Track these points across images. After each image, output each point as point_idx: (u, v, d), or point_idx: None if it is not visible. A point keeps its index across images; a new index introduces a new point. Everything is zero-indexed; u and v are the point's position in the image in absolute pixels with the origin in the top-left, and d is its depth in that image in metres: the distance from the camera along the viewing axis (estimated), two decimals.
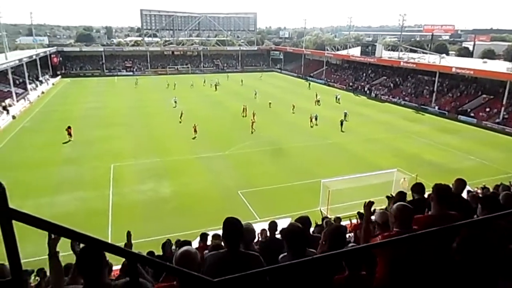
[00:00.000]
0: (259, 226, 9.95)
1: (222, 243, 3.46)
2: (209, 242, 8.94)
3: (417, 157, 29.84)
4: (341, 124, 37.74)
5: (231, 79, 76.24)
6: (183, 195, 22.73)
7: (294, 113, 40.68)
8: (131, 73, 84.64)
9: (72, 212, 19.82)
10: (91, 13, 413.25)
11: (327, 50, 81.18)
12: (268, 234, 7.31)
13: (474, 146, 33.51)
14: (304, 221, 5.69)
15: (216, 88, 63.46)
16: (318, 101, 52.36)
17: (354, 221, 13.12)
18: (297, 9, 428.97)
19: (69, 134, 33.73)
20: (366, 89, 64.28)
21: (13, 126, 39.68)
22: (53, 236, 2.72)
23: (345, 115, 41.63)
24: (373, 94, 61.27)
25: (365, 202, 4.02)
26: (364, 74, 70.64)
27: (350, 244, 4.57)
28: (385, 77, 66.16)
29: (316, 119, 39.48)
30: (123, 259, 2.22)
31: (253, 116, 38.88)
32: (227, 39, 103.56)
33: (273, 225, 7.50)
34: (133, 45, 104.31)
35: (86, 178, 25.16)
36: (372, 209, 4.16)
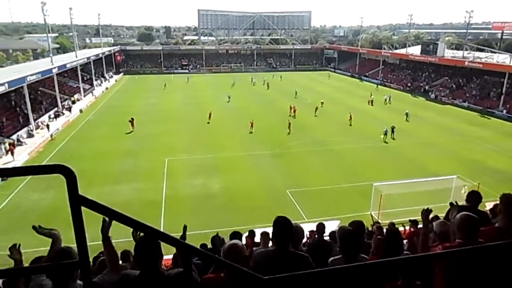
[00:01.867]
0: (307, 227, 9.84)
1: (271, 242, 3.47)
2: (257, 240, 9.00)
3: (480, 164, 27.73)
4: (392, 131, 34.09)
5: (285, 78, 76.20)
6: (232, 191, 23.12)
7: (351, 122, 39.08)
8: (186, 71, 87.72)
9: (129, 202, 20.97)
10: (152, 14, 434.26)
11: (384, 48, 78.11)
12: (316, 235, 7.22)
13: None
14: (358, 226, 5.56)
15: (268, 86, 63.73)
16: (371, 101, 50.65)
17: (408, 228, 12.51)
18: (354, 7, 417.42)
19: (132, 125, 36.95)
20: (425, 90, 60.93)
21: (80, 119, 42.92)
22: (106, 222, 2.90)
23: (407, 115, 42.04)
24: (432, 96, 57.89)
25: (423, 209, 3.80)
26: (424, 74, 66.98)
27: (404, 252, 4.36)
28: (447, 78, 62.20)
29: (392, 131, 34.18)
30: (173, 250, 2.31)
31: (294, 111, 41.70)
32: (280, 38, 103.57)
33: (321, 227, 7.39)
34: (189, 44, 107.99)
35: (142, 170, 26.55)
36: (430, 217, 3.93)
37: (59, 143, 33.31)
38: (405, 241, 8.52)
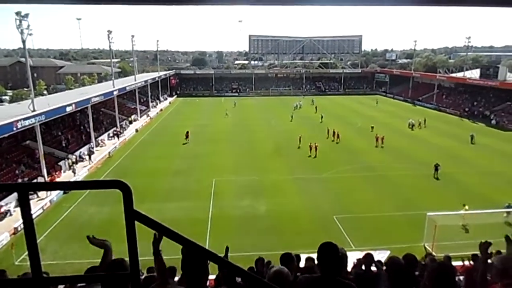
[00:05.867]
0: (354, 255, 9.48)
1: (316, 268, 3.40)
2: (301, 265, 8.82)
3: None
4: (436, 169, 29.61)
5: (332, 102, 75.57)
6: (278, 215, 22.94)
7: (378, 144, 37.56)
8: (236, 94, 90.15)
9: (177, 219, 21.51)
10: (205, 40, 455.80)
11: (440, 72, 74.94)
12: (363, 266, 6.93)
13: None
14: (411, 260, 5.26)
15: (316, 109, 63.36)
16: (413, 125, 49.10)
17: (467, 262, 11.57)
18: (407, 30, 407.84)
19: (187, 137, 42.51)
20: (484, 115, 57.18)
21: (136, 138, 45.43)
22: (157, 236, 2.96)
23: (472, 137, 41.54)
24: (494, 121, 54.15)
25: (481, 242, 3.54)
26: (484, 99, 63.05)
27: None
28: (509, 103, 58.01)
29: (436, 169, 29.66)
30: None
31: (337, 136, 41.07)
32: (330, 62, 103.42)
33: (369, 257, 7.09)
34: (240, 68, 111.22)
35: (191, 189, 27.28)
36: (490, 251, 3.64)
37: (115, 160, 35.39)
38: (461, 277, 7.90)
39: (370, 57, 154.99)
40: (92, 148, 38.11)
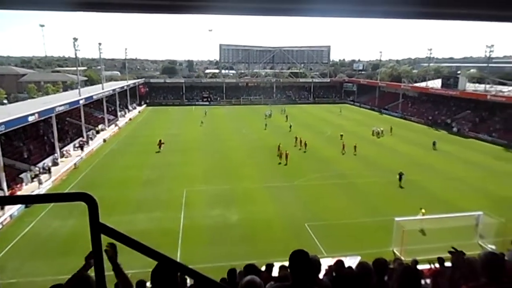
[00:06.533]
0: (325, 262, 9.55)
1: (289, 276, 3.39)
2: (275, 274, 8.79)
3: (507, 201, 26.56)
4: (400, 179, 30.12)
5: (303, 110, 76.81)
6: (251, 223, 22.87)
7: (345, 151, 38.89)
8: (207, 103, 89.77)
9: (147, 231, 20.95)
10: (175, 49, 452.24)
11: (404, 82, 78.07)
12: (333, 273, 6.99)
13: None
14: (381, 264, 5.20)
15: (286, 118, 64.09)
16: (378, 133, 50.81)
17: (435, 266, 11.93)
18: (373, 42, 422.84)
19: (160, 145, 42.07)
20: (446, 123, 59.96)
21: (104, 148, 44.12)
22: (109, 253, 2.61)
23: (434, 143, 44.30)
24: (455, 129, 56.84)
25: (455, 250, 3.65)
26: (445, 108, 66.16)
27: None
28: (469, 111, 61.18)
29: (400, 178, 30.09)
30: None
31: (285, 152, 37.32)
32: (300, 71, 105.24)
33: (340, 264, 7.16)
34: (210, 77, 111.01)
35: (162, 200, 26.73)
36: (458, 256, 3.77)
37: (82, 172, 34.15)
38: (428, 280, 8.14)
39: (339, 67, 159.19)
40: (57, 159, 36.61)
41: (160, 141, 42.66)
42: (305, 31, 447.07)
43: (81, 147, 42.20)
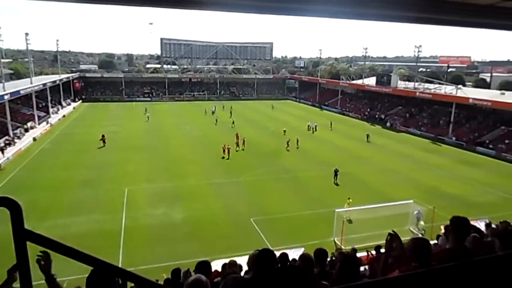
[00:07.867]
0: None
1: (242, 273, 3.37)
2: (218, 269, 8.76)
3: (435, 189, 29.10)
4: (335, 175, 30.45)
5: (246, 106, 77.30)
6: (195, 221, 22.59)
7: (300, 144, 40.29)
8: (148, 98, 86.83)
9: (85, 234, 19.84)
10: (113, 41, 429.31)
11: (342, 79, 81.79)
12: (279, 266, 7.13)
13: (494, 179, 32.55)
14: (321, 253, 5.33)
15: (230, 114, 64.08)
16: (313, 128, 52.86)
17: (371, 253, 12.73)
18: (313, 40, 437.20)
19: (103, 141, 40.91)
20: (381, 118, 64.04)
21: (34, 147, 40.78)
22: (42, 262, 2.35)
23: (368, 136, 47.37)
24: (388, 124, 60.92)
25: (389, 235, 3.84)
26: (380, 104, 70.59)
27: (364, 278, 4.41)
28: (400, 107, 65.91)
29: (336, 175, 30.41)
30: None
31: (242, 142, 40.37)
32: (243, 68, 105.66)
33: (284, 256, 7.32)
34: (152, 72, 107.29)
35: (101, 201, 25.38)
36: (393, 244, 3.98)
37: (8, 174, 31.24)
38: (366, 267, 8.64)
39: (281, 63, 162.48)
40: None
41: (103, 136, 41.42)
42: (247, 28, 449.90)
43: (6, 146, 38.60)
